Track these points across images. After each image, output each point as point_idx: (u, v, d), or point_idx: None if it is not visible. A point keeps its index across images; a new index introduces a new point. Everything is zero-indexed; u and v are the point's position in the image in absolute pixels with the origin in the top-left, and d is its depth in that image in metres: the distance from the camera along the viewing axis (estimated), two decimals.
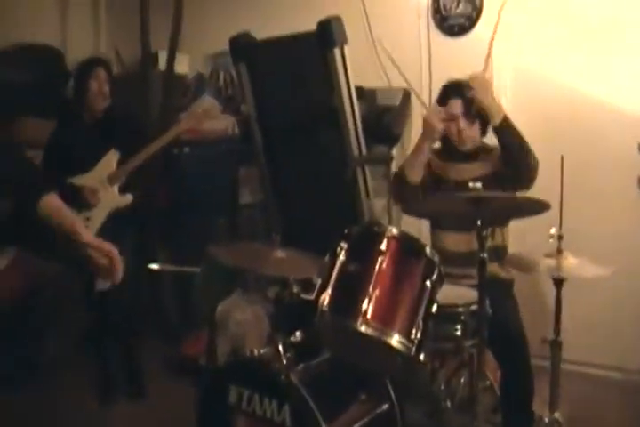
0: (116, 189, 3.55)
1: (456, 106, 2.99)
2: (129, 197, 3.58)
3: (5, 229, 3.97)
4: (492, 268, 2.89)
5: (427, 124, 2.96)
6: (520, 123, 3.81)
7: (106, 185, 3.53)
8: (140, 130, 3.86)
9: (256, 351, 2.51)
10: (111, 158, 3.56)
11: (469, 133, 3.01)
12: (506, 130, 2.88)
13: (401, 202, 3.14)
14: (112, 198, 3.54)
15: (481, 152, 3.07)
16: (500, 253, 3.00)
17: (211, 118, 3.81)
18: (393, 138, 4.10)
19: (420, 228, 3.60)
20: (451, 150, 3.11)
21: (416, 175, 3.00)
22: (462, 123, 2.98)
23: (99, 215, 3.52)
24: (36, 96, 4.51)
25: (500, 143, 2.92)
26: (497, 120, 2.87)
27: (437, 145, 3.21)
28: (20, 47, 4.67)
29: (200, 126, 3.78)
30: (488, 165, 3.01)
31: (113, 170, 3.55)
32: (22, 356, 3.87)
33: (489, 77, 2.97)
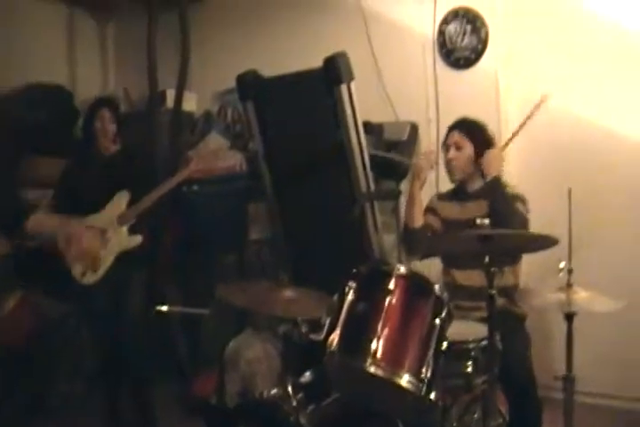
0: (125, 229, 3.55)
1: (451, 137, 3.14)
2: (138, 238, 3.56)
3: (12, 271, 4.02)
4: (502, 302, 2.88)
5: (416, 166, 3.22)
6: (527, 153, 3.83)
7: (115, 226, 3.53)
8: (150, 171, 3.86)
9: (266, 393, 2.49)
10: (121, 199, 3.57)
11: (458, 163, 3.11)
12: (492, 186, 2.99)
13: (413, 251, 3.26)
14: (121, 239, 3.53)
15: (487, 190, 3.07)
16: (510, 293, 2.98)
17: (219, 159, 3.83)
18: (401, 172, 4.09)
19: (430, 263, 3.57)
20: (457, 191, 3.19)
21: (416, 221, 3.16)
22: (452, 153, 3.11)
23: (108, 256, 3.51)
24: (46, 135, 4.56)
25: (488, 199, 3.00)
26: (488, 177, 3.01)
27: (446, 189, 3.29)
28: (30, 87, 4.71)
29: (209, 167, 3.80)
30: None
31: (123, 211, 3.55)
32: (31, 397, 3.86)
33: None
